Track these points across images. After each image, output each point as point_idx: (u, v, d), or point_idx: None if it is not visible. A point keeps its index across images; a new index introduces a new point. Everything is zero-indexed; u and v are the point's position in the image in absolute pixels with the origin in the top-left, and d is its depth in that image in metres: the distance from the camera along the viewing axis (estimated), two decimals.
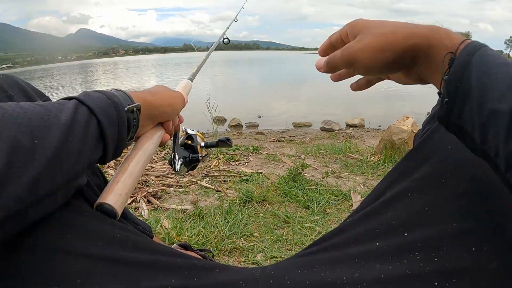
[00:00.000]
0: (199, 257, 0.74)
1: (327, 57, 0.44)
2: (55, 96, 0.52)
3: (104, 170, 1.99)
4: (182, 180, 1.97)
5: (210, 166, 2.26)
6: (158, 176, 1.99)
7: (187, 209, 1.56)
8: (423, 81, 0.41)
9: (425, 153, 0.44)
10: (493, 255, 0.33)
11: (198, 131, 0.75)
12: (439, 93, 0.36)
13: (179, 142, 0.66)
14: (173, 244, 0.89)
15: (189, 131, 0.71)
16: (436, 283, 0.33)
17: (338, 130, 5.24)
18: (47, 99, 0.47)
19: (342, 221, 0.45)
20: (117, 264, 0.34)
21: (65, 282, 0.31)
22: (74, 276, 0.31)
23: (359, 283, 0.34)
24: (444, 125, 0.36)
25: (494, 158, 0.31)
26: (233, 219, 1.42)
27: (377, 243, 0.37)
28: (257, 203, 1.61)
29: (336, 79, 0.49)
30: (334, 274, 0.35)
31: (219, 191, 1.80)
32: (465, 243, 0.34)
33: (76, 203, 0.36)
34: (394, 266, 0.34)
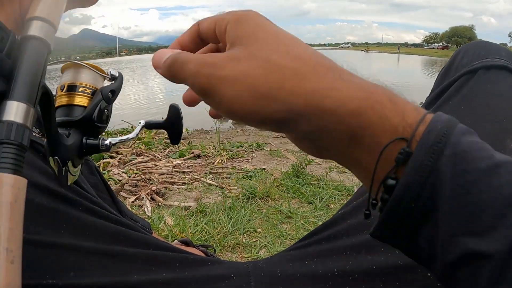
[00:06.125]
0: (200, 252, 0.75)
1: (175, 54, 0.25)
2: None
3: (108, 169, 2.01)
4: (185, 178, 1.98)
5: (213, 163, 2.27)
6: (162, 174, 2.01)
7: (190, 206, 1.57)
8: (322, 155, 0.25)
9: None
10: None
11: (94, 68, 0.35)
12: (373, 203, 0.24)
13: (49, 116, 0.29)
14: (174, 240, 0.90)
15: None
16: (429, 274, 0.33)
17: None
18: None
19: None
20: (108, 258, 0.34)
21: (59, 276, 0.31)
22: (67, 270, 0.32)
23: (350, 275, 0.34)
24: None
25: None
26: (236, 215, 1.43)
27: (369, 235, 0.37)
28: (260, 199, 1.61)
29: (189, 101, 0.31)
30: (325, 266, 0.36)
31: (222, 187, 1.80)
32: None
33: (70, 197, 0.37)
34: (386, 257, 0.34)
